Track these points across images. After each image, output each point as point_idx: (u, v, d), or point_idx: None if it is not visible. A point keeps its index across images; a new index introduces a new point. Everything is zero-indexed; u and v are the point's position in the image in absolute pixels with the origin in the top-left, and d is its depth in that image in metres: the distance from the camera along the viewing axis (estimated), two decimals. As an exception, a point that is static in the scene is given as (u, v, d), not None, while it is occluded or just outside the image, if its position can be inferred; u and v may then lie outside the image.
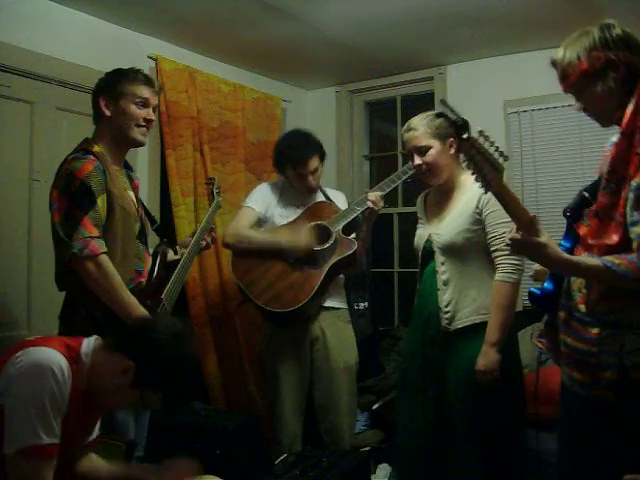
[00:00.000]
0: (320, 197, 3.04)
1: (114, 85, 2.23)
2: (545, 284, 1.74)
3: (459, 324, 2.29)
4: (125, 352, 1.63)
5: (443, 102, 2.07)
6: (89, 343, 1.67)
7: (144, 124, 2.26)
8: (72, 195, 2.08)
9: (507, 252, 2.18)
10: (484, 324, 2.25)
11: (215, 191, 2.84)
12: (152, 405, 1.89)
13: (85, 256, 2.02)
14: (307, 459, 2.43)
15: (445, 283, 2.33)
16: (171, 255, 2.47)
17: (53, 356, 1.54)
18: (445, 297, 2.32)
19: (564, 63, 1.62)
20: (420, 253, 2.45)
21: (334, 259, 2.79)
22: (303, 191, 2.97)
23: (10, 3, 2.73)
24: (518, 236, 1.53)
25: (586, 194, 1.70)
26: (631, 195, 1.49)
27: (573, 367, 1.63)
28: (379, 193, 2.74)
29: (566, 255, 1.57)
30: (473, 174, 1.47)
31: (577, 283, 1.65)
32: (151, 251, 2.39)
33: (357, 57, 3.82)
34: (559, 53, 1.64)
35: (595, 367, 1.56)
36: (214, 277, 3.48)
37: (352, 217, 2.85)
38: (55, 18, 2.91)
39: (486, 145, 1.43)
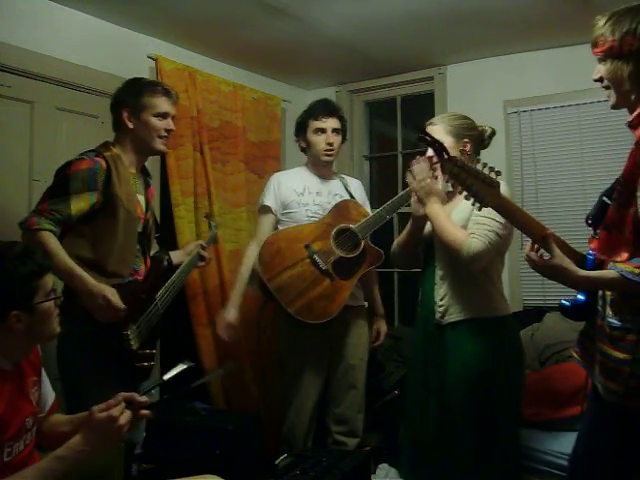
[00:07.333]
0: (339, 186, 3.04)
1: (135, 97, 2.32)
2: (578, 295, 1.68)
3: (451, 318, 2.33)
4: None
5: (418, 128, 2.05)
6: None
7: (165, 134, 2.37)
8: (54, 182, 2.19)
9: (478, 234, 2.19)
10: (475, 320, 2.30)
11: (212, 224, 3.00)
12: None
13: (24, 228, 2.11)
14: (307, 459, 2.42)
15: (442, 278, 2.37)
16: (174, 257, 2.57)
17: None
18: (440, 291, 2.36)
19: (598, 32, 1.58)
20: (425, 248, 2.50)
21: (363, 270, 2.82)
22: (321, 159, 2.95)
23: (10, 3, 2.73)
24: (533, 256, 1.52)
25: (606, 199, 1.63)
26: None
27: (608, 376, 1.57)
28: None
29: (583, 272, 1.53)
30: (461, 193, 1.47)
31: None
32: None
33: (357, 57, 3.82)
34: (602, 19, 1.59)
35: (628, 376, 1.51)
36: (214, 277, 3.47)
37: (379, 225, 2.82)
38: (55, 18, 2.91)
39: (474, 164, 1.44)
